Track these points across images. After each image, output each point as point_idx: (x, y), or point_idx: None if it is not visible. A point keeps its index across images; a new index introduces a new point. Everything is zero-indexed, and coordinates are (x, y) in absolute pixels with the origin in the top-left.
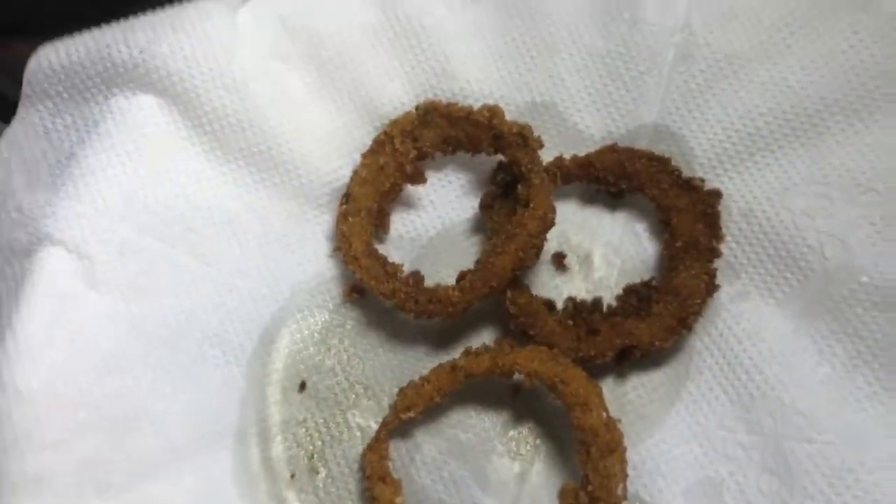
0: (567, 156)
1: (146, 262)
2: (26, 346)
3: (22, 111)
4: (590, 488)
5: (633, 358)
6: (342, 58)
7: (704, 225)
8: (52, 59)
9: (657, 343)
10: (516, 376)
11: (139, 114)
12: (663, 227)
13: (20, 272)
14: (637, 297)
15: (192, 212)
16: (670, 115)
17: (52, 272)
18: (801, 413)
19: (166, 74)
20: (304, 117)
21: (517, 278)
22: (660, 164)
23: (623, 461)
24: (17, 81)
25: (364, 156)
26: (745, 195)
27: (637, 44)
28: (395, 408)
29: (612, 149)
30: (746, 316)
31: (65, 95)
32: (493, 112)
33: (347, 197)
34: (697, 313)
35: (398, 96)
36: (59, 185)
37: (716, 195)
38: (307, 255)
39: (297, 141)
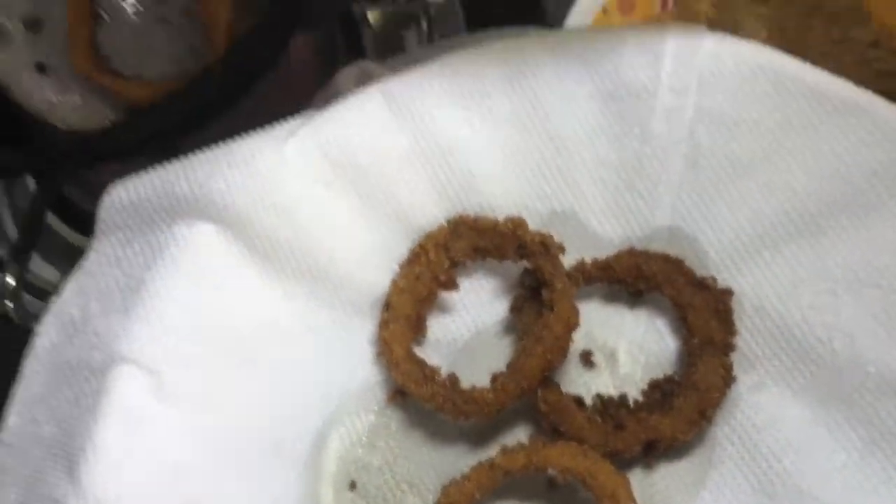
0: (588, 259)
1: (209, 376)
2: (104, 456)
3: (95, 243)
4: None
5: (658, 451)
6: (379, 181)
7: (718, 321)
8: (122, 195)
9: (679, 436)
10: (550, 471)
11: (200, 240)
12: (682, 324)
13: (97, 389)
14: (661, 392)
15: (249, 326)
16: (683, 218)
17: (125, 388)
18: (817, 500)
19: (223, 206)
20: (347, 236)
21: (547, 377)
22: (674, 265)
23: None
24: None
25: (401, 267)
26: (756, 292)
27: (647, 155)
28: None
29: (630, 252)
30: (764, 406)
31: (133, 227)
32: (517, 223)
33: (388, 306)
34: (716, 405)
35: (430, 211)
36: (131, 308)
37: (727, 293)
38: (353, 362)
39: (342, 257)
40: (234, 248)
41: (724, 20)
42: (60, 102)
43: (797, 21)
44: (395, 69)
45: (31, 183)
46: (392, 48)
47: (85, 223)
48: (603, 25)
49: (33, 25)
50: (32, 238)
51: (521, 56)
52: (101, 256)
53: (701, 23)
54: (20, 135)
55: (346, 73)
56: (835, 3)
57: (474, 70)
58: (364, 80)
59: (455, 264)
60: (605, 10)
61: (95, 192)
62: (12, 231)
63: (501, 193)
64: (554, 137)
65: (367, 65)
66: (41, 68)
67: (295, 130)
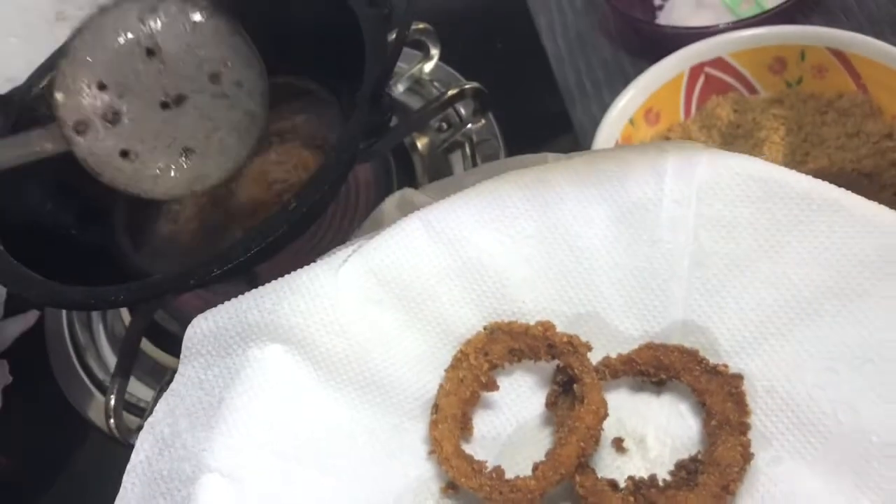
0: (613, 355)
1: (283, 479)
2: None
3: (181, 368)
4: None
5: None
6: (422, 296)
7: (734, 403)
8: (202, 326)
9: None
10: None
11: (270, 360)
12: (701, 408)
13: (187, 496)
14: (686, 471)
15: (315, 433)
16: (694, 312)
17: (211, 495)
18: None
19: (289, 328)
20: (397, 346)
21: (583, 464)
22: (690, 356)
23: None
24: (182, 324)
25: (447, 372)
26: (765, 374)
27: (657, 258)
28: None
29: (649, 346)
30: (782, 478)
31: (213, 352)
32: (546, 326)
33: (436, 407)
34: (737, 480)
35: (469, 320)
36: (213, 423)
37: (738, 378)
38: (408, 460)
39: (393, 366)
40: (301, 365)
41: (745, 122)
42: (140, 178)
43: (812, 118)
44: (432, 195)
45: (123, 312)
46: (440, 171)
47: (168, 342)
48: (618, 147)
49: (113, 119)
50: (131, 363)
51: (540, 182)
52: (186, 379)
53: (724, 126)
54: (120, 275)
55: (390, 201)
56: (846, 100)
57: (500, 196)
58: (405, 205)
59: (494, 367)
60: (632, 122)
61: (177, 316)
62: (108, 354)
63: (531, 301)
64: (574, 249)
65: (408, 192)
66: (124, 154)
67: (347, 258)
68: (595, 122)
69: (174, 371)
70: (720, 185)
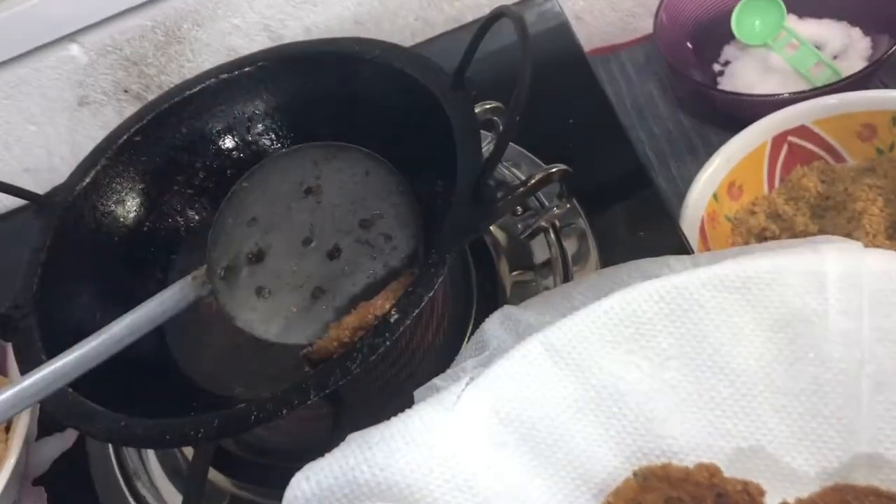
0: (790, 499)
1: None
2: None
3: None
4: None
5: None
6: (552, 435)
7: None
8: (304, 487)
9: None
10: None
11: None
12: None
13: None
14: None
15: None
16: (881, 443)
17: None
18: None
19: (405, 486)
20: (528, 497)
21: None
22: (888, 500)
23: None
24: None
25: None
26: None
27: (829, 380)
28: None
29: (836, 488)
30: None
31: None
32: (711, 471)
33: None
34: None
35: (609, 461)
36: None
37: None
38: None
39: None
40: None
41: (835, 193)
42: (272, 318)
43: None
44: (536, 309)
45: None
46: (520, 260)
47: (225, 464)
48: (760, 246)
49: (257, 257)
50: (200, 496)
51: (676, 291)
52: None
53: (812, 198)
54: (169, 385)
55: (491, 320)
56: None
57: (631, 311)
58: (508, 323)
59: None
60: (715, 197)
61: (239, 438)
62: (161, 478)
63: (681, 435)
64: (726, 370)
65: (509, 309)
66: (259, 291)
67: (461, 393)
68: (661, 194)
69: (232, 495)
70: (895, 293)
